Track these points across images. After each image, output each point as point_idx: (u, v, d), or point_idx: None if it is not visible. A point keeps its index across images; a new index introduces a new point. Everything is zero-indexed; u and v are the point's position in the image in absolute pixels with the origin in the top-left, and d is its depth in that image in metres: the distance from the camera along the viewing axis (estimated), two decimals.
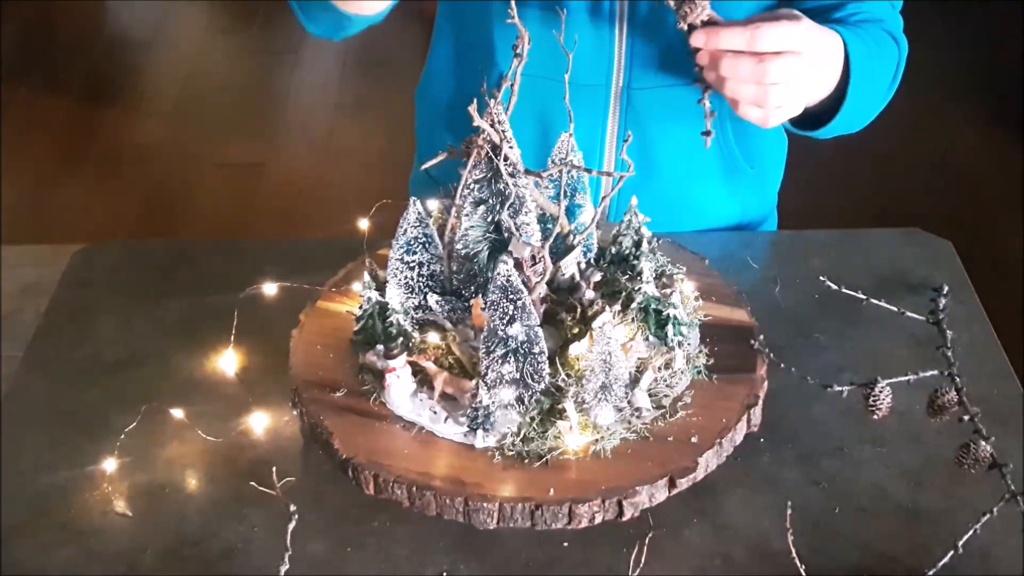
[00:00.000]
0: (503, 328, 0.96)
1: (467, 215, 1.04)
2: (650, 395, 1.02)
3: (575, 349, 1.03)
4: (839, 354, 1.16)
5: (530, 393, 0.99)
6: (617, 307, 1.06)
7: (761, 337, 1.08)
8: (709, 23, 1.09)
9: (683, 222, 1.34)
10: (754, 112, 1.12)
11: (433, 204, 1.14)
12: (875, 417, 0.96)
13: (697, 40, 1.07)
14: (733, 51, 1.07)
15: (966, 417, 0.94)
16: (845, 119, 1.19)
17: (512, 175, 1.01)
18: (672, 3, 1.09)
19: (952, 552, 0.90)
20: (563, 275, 1.09)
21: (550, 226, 1.06)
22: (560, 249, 1.09)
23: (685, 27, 1.09)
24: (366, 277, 1.08)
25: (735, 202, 1.41)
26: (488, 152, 1.00)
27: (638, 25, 1.26)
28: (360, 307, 1.07)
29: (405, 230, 1.05)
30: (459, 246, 1.06)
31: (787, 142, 1.47)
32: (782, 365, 1.03)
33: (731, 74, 1.07)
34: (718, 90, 1.12)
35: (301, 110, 3.30)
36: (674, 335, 1.05)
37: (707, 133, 1.14)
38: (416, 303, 1.07)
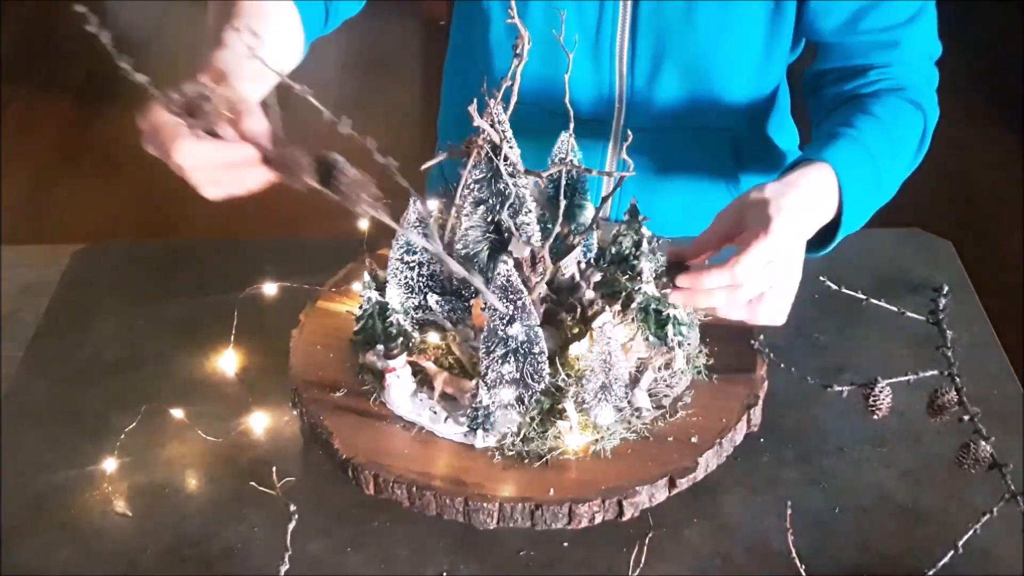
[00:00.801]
0: (503, 328, 0.96)
1: (467, 215, 1.04)
2: (650, 395, 1.02)
3: (575, 349, 1.03)
4: (839, 354, 1.16)
5: (530, 393, 0.99)
6: (617, 307, 1.06)
7: (761, 337, 1.08)
8: (674, 264, 1.04)
9: None
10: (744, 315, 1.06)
11: (433, 204, 1.14)
12: (875, 417, 0.96)
13: (682, 282, 1.02)
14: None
15: (966, 417, 0.94)
16: (850, 228, 1.15)
17: (512, 175, 1.01)
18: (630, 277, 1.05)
19: (952, 552, 0.90)
20: (563, 275, 1.09)
21: (550, 226, 1.06)
22: (560, 249, 1.09)
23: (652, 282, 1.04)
24: (366, 277, 1.08)
25: None
26: (488, 152, 1.00)
27: (639, 63, 1.27)
28: (360, 307, 1.07)
29: None
30: (459, 246, 1.06)
31: None
32: (782, 365, 1.03)
33: (709, 306, 1.04)
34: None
35: (301, 110, 3.29)
36: (674, 335, 1.05)
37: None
38: (416, 303, 1.07)
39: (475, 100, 0.97)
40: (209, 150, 0.87)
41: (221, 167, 0.87)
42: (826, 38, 1.27)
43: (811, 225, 1.08)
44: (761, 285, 1.02)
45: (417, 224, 1.05)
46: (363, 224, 1.15)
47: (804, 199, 1.06)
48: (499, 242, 1.05)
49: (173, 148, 0.86)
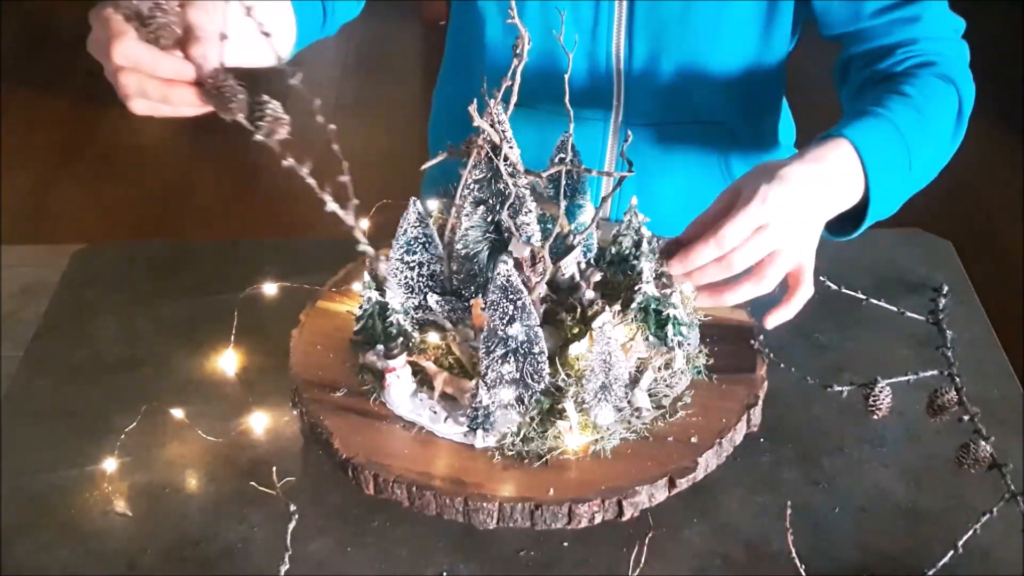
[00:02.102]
0: (503, 328, 0.96)
1: (467, 215, 1.04)
2: (650, 395, 1.02)
3: (575, 349, 1.03)
4: (839, 354, 1.16)
5: (530, 393, 0.99)
6: (617, 307, 1.06)
7: (761, 337, 1.08)
8: (671, 249, 1.03)
9: None
10: (779, 316, 1.04)
11: (433, 204, 1.14)
12: (875, 417, 0.96)
13: (675, 269, 1.02)
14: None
15: (966, 417, 0.94)
16: (882, 210, 1.11)
17: (512, 175, 1.01)
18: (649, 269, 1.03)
19: (952, 552, 0.90)
20: (563, 275, 1.09)
21: (550, 226, 1.06)
22: (560, 249, 1.09)
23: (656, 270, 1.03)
24: (366, 277, 1.08)
25: None
26: (488, 152, 1.00)
27: (636, 62, 1.27)
28: (360, 307, 1.07)
29: (405, 230, 1.05)
30: (459, 246, 1.06)
31: None
32: (782, 365, 1.03)
33: (705, 282, 1.02)
34: (726, 304, 1.05)
35: (301, 110, 3.29)
36: (674, 335, 1.05)
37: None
38: (416, 303, 1.07)
39: (475, 100, 0.97)
40: (146, 54, 0.85)
41: (153, 77, 0.86)
42: (841, 28, 1.24)
43: (825, 198, 1.04)
44: (753, 253, 0.99)
45: (417, 224, 1.05)
46: (363, 224, 1.14)
47: (812, 170, 1.03)
48: (499, 242, 1.05)
49: (113, 45, 0.85)
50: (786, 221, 1.00)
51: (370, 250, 0.93)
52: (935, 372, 0.97)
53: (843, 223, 1.11)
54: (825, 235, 1.09)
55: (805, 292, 1.03)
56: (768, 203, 0.99)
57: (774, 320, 1.02)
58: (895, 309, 1.02)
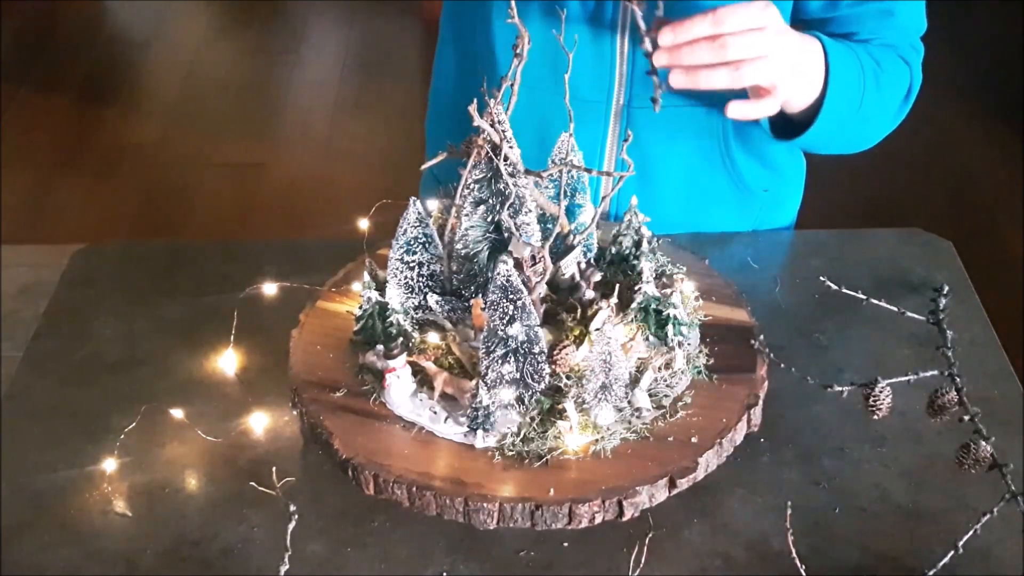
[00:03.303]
0: (503, 328, 0.96)
1: (467, 215, 1.04)
2: (650, 395, 1.02)
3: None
4: (839, 354, 1.16)
5: (530, 393, 0.99)
6: (614, 299, 1.06)
7: (761, 337, 1.08)
8: (659, 22, 1.06)
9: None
10: (741, 109, 1.09)
11: (433, 204, 1.14)
12: (875, 417, 0.96)
13: (665, 38, 1.03)
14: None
15: (966, 417, 0.94)
16: (828, 126, 1.17)
17: (512, 175, 1.01)
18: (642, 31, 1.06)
19: (952, 552, 0.90)
20: (563, 275, 1.09)
21: (550, 226, 1.06)
22: (560, 249, 1.09)
23: (649, 46, 1.06)
24: (366, 277, 1.08)
25: (746, 224, 1.40)
26: (488, 152, 1.00)
27: (639, 43, 1.26)
28: (360, 307, 1.07)
29: (405, 230, 1.05)
30: (459, 246, 1.06)
31: (805, 161, 1.46)
32: (782, 365, 1.03)
33: (694, 61, 1.04)
34: (696, 87, 1.08)
35: (301, 110, 3.30)
36: (674, 335, 1.05)
37: (653, 100, 1.09)
38: (416, 303, 1.07)
39: (475, 100, 0.97)
40: None
41: None
42: (816, 14, 1.27)
43: (804, 60, 1.10)
44: (747, 47, 1.02)
45: (417, 224, 1.05)
46: (363, 224, 1.15)
47: (794, 33, 1.09)
48: (499, 242, 1.05)
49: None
50: (779, 33, 1.04)
51: None
52: (935, 372, 0.97)
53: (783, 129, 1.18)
54: (769, 132, 1.17)
55: (770, 104, 1.07)
56: (770, 10, 1.03)
57: (735, 110, 1.06)
58: (895, 309, 1.02)
